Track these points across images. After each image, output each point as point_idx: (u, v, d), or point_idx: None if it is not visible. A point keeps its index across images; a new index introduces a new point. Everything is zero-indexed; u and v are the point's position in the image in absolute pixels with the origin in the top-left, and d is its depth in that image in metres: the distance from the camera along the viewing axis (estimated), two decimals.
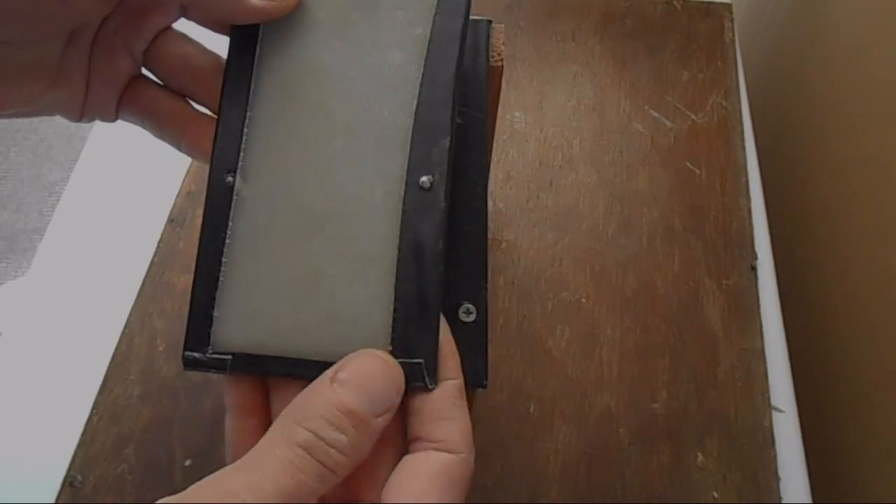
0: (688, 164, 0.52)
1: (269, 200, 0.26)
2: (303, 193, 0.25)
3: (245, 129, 0.26)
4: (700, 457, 0.40)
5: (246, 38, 0.27)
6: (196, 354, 0.25)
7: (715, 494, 0.38)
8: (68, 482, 0.38)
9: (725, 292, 0.46)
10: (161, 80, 0.29)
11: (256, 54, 0.27)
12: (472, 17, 0.29)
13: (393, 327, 0.24)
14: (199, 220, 0.47)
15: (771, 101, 0.67)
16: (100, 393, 0.41)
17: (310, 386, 0.22)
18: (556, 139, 0.53)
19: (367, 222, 0.25)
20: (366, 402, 0.22)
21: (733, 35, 0.60)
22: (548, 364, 0.43)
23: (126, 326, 0.44)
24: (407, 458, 0.23)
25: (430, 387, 0.24)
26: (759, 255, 0.48)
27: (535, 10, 0.61)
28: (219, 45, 0.28)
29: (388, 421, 0.22)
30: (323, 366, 0.23)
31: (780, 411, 0.42)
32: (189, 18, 0.28)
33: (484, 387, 0.27)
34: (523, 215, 0.49)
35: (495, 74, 0.30)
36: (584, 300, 0.45)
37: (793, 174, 0.61)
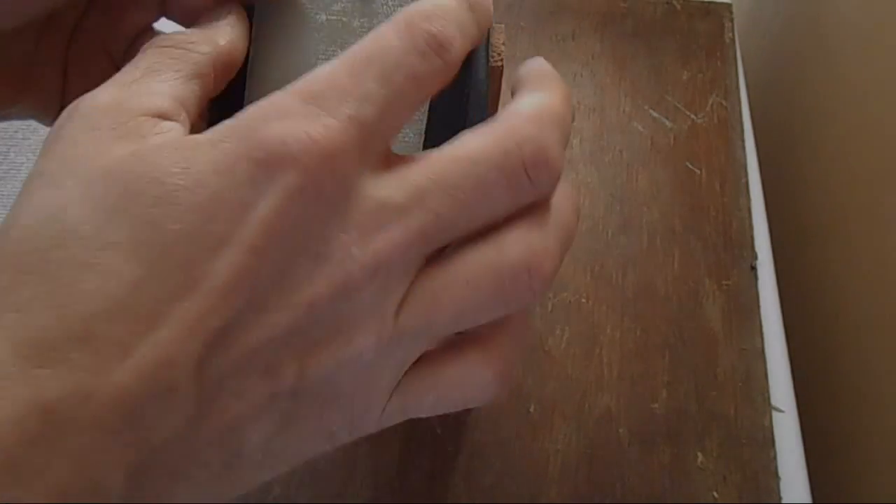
0: (688, 164, 0.52)
1: None
2: None
3: None
4: (700, 457, 0.40)
5: None
6: None
7: (715, 494, 0.38)
8: None
9: (725, 292, 0.46)
10: None
11: (249, 55, 0.26)
12: None
13: None
14: None
15: (771, 101, 0.67)
16: None
17: None
18: None
19: None
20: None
21: (733, 35, 0.60)
22: (548, 364, 0.43)
23: None
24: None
25: None
26: (759, 255, 0.48)
27: (535, 10, 0.61)
28: None
29: (234, 21, 0.23)
30: None
31: (780, 411, 0.42)
32: (169, 16, 0.27)
33: None
34: None
35: (495, 74, 0.30)
36: (584, 300, 0.45)
37: (793, 174, 0.61)
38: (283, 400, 0.17)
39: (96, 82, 0.20)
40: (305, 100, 0.17)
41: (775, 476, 0.39)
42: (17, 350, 0.14)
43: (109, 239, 0.16)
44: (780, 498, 0.38)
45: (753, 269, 0.47)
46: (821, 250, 0.55)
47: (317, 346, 0.17)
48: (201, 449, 0.17)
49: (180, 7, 0.26)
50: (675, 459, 0.40)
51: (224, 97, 0.26)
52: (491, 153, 0.18)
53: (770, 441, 0.40)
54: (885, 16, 0.48)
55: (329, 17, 0.27)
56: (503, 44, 0.30)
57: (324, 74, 0.17)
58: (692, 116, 0.55)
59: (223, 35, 0.22)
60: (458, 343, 0.20)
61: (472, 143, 0.18)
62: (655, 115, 0.55)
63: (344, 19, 0.27)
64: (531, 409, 0.41)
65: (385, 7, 0.26)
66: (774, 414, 0.41)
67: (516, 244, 0.18)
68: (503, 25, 0.31)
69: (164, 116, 0.18)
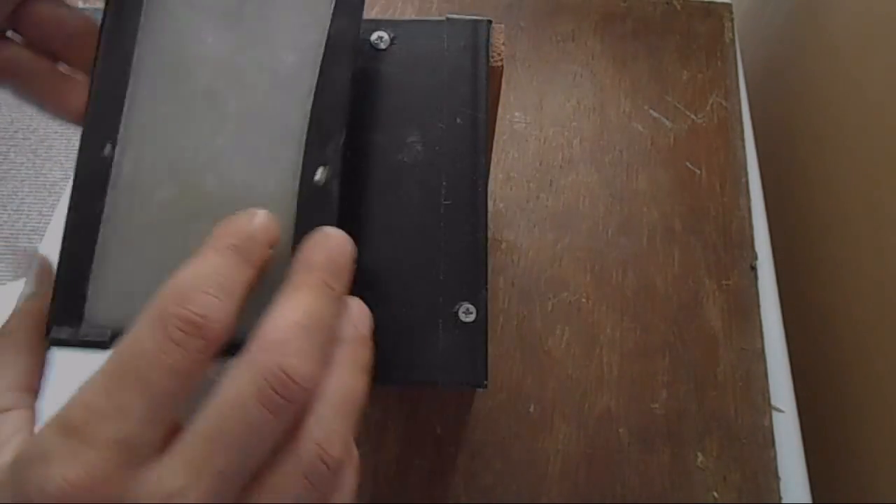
0: (688, 164, 0.52)
1: (153, 176, 0.25)
2: (190, 174, 0.25)
3: (125, 99, 0.25)
4: (700, 457, 0.40)
5: (127, 4, 0.26)
6: (65, 333, 0.24)
7: (715, 494, 0.38)
8: None
9: (725, 292, 0.46)
10: (29, 41, 0.28)
11: (140, 23, 0.26)
12: (472, 17, 0.29)
13: None
14: None
15: (771, 101, 0.67)
16: None
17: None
18: (556, 139, 0.53)
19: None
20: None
21: (733, 35, 0.60)
22: (548, 364, 0.43)
23: None
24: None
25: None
26: (759, 255, 0.48)
27: (535, 10, 0.61)
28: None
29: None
30: None
31: (780, 411, 0.42)
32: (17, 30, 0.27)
33: (484, 387, 0.27)
34: (523, 215, 0.49)
35: (495, 74, 0.30)
36: (584, 300, 0.45)
37: (793, 174, 0.61)
38: None
39: None
40: (65, 434, 0.18)
41: (775, 476, 0.39)
42: None
43: None
44: (780, 498, 0.38)
45: (753, 269, 0.47)
46: (821, 250, 0.55)
47: None
48: None
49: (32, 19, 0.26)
50: (675, 459, 0.40)
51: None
52: (245, 395, 0.18)
53: (770, 441, 0.40)
54: (884, 16, 0.48)
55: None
56: (503, 44, 0.30)
57: (82, 399, 0.19)
58: (692, 116, 0.55)
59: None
60: None
61: (228, 389, 0.19)
62: (655, 115, 0.55)
63: (233, 3, 0.26)
64: (531, 409, 0.41)
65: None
66: (774, 414, 0.41)
67: (303, 444, 0.19)
68: (503, 25, 0.31)
69: (4, 410, 0.20)
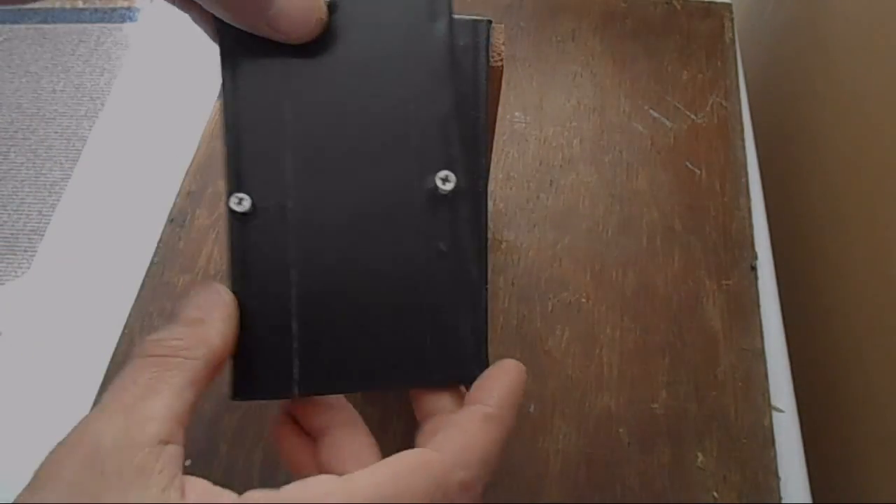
0: (688, 164, 0.52)
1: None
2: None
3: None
4: (700, 457, 0.40)
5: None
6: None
7: (715, 494, 0.38)
8: None
9: (725, 292, 0.46)
10: None
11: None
12: (472, 17, 0.29)
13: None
14: (199, 220, 0.48)
15: (771, 101, 0.67)
16: (100, 393, 0.41)
17: (460, 419, 0.25)
18: (556, 139, 0.53)
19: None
20: (191, 309, 0.24)
21: (733, 35, 0.60)
22: (548, 364, 0.43)
23: (126, 326, 0.44)
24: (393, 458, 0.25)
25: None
26: (759, 255, 0.48)
27: (535, 10, 0.61)
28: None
29: (224, 316, 0.24)
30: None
31: (780, 411, 0.42)
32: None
33: None
34: (523, 215, 0.49)
35: (495, 74, 0.30)
36: (584, 300, 0.45)
37: (793, 174, 0.61)
38: None
39: None
40: None
41: (775, 476, 0.39)
42: None
43: None
44: (780, 498, 0.38)
45: (753, 269, 0.47)
46: (821, 250, 0.55)
47: None
48: None
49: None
50: (675, 459, 0.40)
51: None
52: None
53: (770, 441, 0.40)
54: (884, 16, 0.48)
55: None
56: (503, 44, 0.30)
57: None
58: (692, 116, 0.55)
59: (216, 333, 0.23)
60: None
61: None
62: (655, 115, 0.55)
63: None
64: (531, 409, 0.41)
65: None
66: (774, 414, 0.41)
67: None
68: (503, 25, 0.31)
69: (164, 441, 0.20)
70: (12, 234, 1.47)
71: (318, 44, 0.26)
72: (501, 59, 0.30)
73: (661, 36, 0.59)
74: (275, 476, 0.39)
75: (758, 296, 0.46)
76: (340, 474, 0.22)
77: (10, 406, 0.42)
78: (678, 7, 0.61)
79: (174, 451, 0.20)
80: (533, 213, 0.49)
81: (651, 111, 0.55)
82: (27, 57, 1.75)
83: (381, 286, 0.26)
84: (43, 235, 0.50)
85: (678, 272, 0.47)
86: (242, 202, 0.25)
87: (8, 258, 1.44)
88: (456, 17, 0.29)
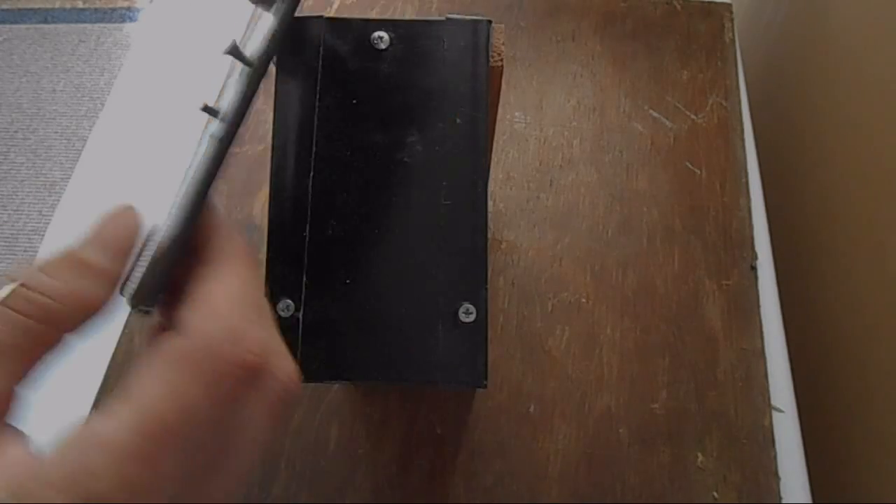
0: (688, 164, 0.52)
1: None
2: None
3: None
4: (700, 457, 0.40)
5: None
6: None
7: (715, 494, 0.38)
8: None
9: (725, 292, 0.46)
10: None
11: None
12: (472, 17, 0.29)
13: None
14: None
15: (771, 101, 0.67)
16: (100, 393, 0.41)
17: None
18: (556, 139, 0.53)
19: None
20: (88, 248, 0.21)
21: (733, 35, 0.60)
22: (548, 364, 0.43)
23: (126, 326, 0.44)
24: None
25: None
26: (759, 255, 0.48)
27: (535, 10, 0.61)
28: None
29: (120, 265, 0.22)
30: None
31: (780, 411, 0.42)
32: None
33: (484, 387, 0.27)
34: (523, 215, 0.49)
35: (495, 74, 0.30)
36: (584, 300, 0.45)
37: (793, 174, 0.61)
38: None
39: None
40: None
41: (775, 476, 0.39)
42: None
43: None
44: (780, 498, 0.38)
45: (753, 269, 0.47)
46: (821, 250, 0.55)
47: None
48: None
49: None
50: (675, 459, 0.40)
51: None
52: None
53: (770, 441, 0.40)
54: (884, 16, 0.48)
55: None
56: (503, 44, 0.30)
57: None
58: (692, 116, 0.55)
59: (101, 296, 0.22)
60: None
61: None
62: (655, 115, 0.55)
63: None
64: (531, 409, 0.41)
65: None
66: (774, 414, 0.41)
67: None
68: (503, 25, 0.31)
69: None
70: (12, 234, 1.47)
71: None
72: (501, 59, 0.30)
73: (661, 36, 0.59)
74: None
75: (758, 296, 0.46)
76: None
77: (10, 406, 0.42)
78: (678, 7, 0.61)
79: None
80: (533, 213, 0.49)
81: (651, 111, 0.55)
82: (27, 57, 1.75)
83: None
84: (43, 235, 0.50)
85: (678, 272, 0.47)
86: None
87: (8, 258, 1.44)
88: (456, 17, 0.30)
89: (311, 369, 0.26)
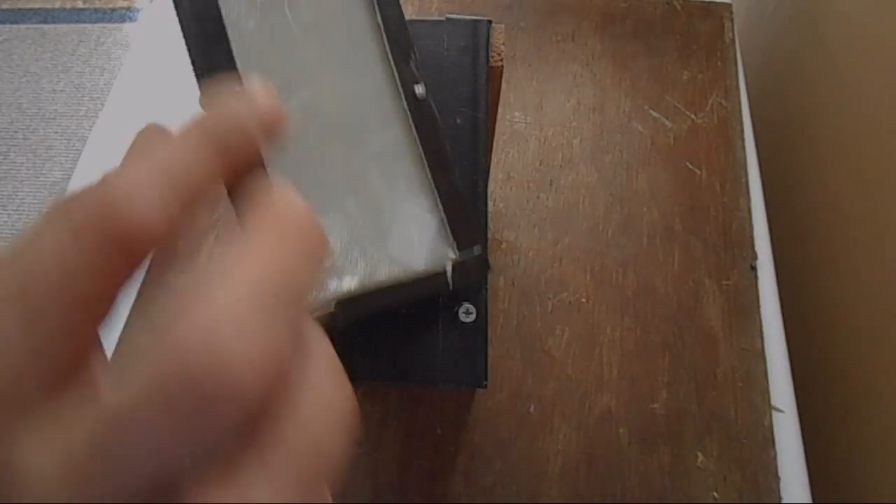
0: (688, 164, 0.52)
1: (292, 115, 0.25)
2: (319, 101, 0.26)
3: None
4: (700, 457, 0.40)
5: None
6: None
7: (715, 494, 0.38)
8: None
9: (725, 292, 0.46)
10: None
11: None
12: (472, 17, 0.29)
13: (451, 229, 0.26)
14: (199, 220, 0.48)
15: (771, 101, 0.67)
16: None
17: None
18: (556, 139, 0.53)
19: (387, 130, 0.26)
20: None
21: (733, 35, 0.60)
22: (548, 364, 0.43)
23: (126, 326, 0.44)
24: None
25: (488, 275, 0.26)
26: (759, 255, 0.48)
27: (535, 10, 0.61)
28: None
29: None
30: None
31: (780, 411, 0.42)
32: None
33: (484, 387, 0.27)
34: (523, 215, 0.49)
35: (495, 74, 0.30)
36: (584, 300, 0.45)
37: (793, 174, 0.61)
38: None
39: None
40: None
41: (775, 476, 0.39)
42: None
43: None
44: (780, 498, 0.38)
45: (753, 269, 0.47)
46: (821, 250, 0.55)
47: None
48: None
49: None
50: (675, 459, 0.40)
51: None
52: (148, 397, 0.12)
53: (770, 441, 0.40)
54: (884, 16, 0.48)
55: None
56: (503, 44, 0.30)
57: None
58: (692, 116, 0.55)
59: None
60: None
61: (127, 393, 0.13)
62: (655, 115, 0.55)
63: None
64: (531, 409, 0.41)
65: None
66: (774, 414, 0.41)
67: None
68: (503, 25, 0.31)
69: None
70: (12, 234, 1.47)
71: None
72: (501, 59, 0.30)
73: (661, 36, 0.59)
74: None
75: (758, 296, 0.46)
76: None
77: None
78: (678, 7, 0.61)
79: None
80: (533, 213, 0.49)
81: (651, 111, 0.55)
82: (27, 57, 1.75)
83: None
84: None
85: (678, 272, 0.47)
86: None
87: None
88: (456, 17, 0.30)
89: None
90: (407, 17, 0.27)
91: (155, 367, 0.12)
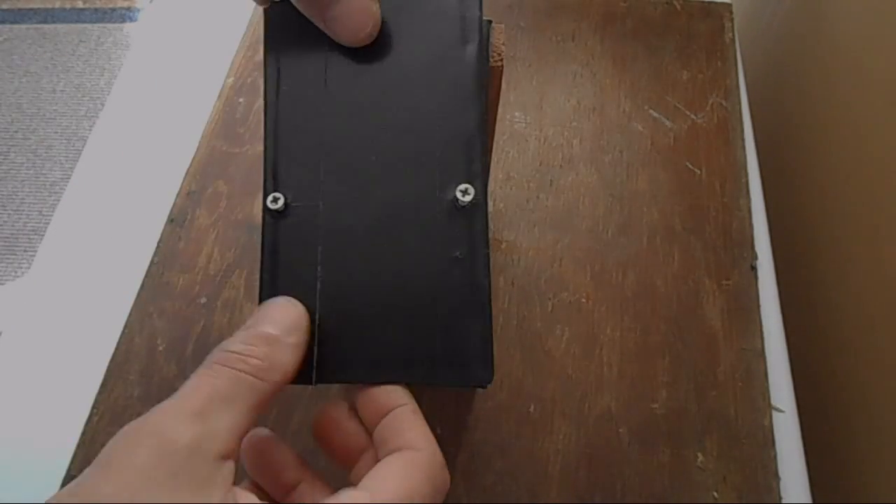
0: (688, 164, 0.52)
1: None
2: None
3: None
4: (700, 457, 0.40)
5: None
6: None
7: (715, 494, 0.38)
8: (68, 482, 0.38)
9: (725, 292, 0.46)
10: None
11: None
12: None
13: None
14: (199, 220, 0.48)
15: (771, 101, 0.67)
16: (100, 393, 0.41)
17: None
18: (556, 139, 0.53)
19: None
20: (272, 327, 0.24)
21: (733, 35, 0.60)
22: (548, 364, 0.43)
23: (126, 326, 0.44)
24: (382, 461, 0.24)
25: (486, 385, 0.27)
26: (759, 255, 0.48)
27: (535, 10, 0.61)
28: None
29: (300, 341, 0.25)
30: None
31: (780, 411, 0.42)
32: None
33: (485, 387, 0.27)
34: (523, 215, 0.49)
35: (495, 74, 0.30)
36: (584, 300, 0.45)
37: (793, 174, 0.61)
38: None
39: None
40: None
41: (775, 476, 0.39)
42: None
43: None
44: (780, 498, 0.38)
45: (753, 269, 0.47)
46: (821, 250, 0.55)
47: None
48: None
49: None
50: (675, 459, 0.40)
51: None
52: None
53: (770, 441, 0.40)
54: (884, 16, 0.48)
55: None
56: (503, 44, 0.30)
57: None
58: (692, 116, 0.55)
59: (292, 360, 0.25)
60: None
61: None
62: (655, 115, 0.55)
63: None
64: (531, 409, 0.41)
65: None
66: (774, 414, 0.41)
67: None
68: (503, 25, 0.31)
69: (225, 457, 0.22)
70: (12, 234, 1.47)
71: (360, 52, 0.28)
72: (501, 59, 0.30)
73: (661, 36, 0.59)
74: None
75: (758, 296, 0.46)
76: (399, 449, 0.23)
77: (11, 406, 0.42)
78: (678, 7, 0.61)
79: (231, 468, 0.22)
80: (533, 213, 0.49)
81: (651, 111, 0.55)
82: (27, 57, 1.75)
83: (398, 287, 0.27)
84: (43, 235, 0.50)
85: (678, 272, 0.47)
86: (277, 201, 0.27)
87: (8, 258, 1.44)
88: None
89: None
90: None
91: None
